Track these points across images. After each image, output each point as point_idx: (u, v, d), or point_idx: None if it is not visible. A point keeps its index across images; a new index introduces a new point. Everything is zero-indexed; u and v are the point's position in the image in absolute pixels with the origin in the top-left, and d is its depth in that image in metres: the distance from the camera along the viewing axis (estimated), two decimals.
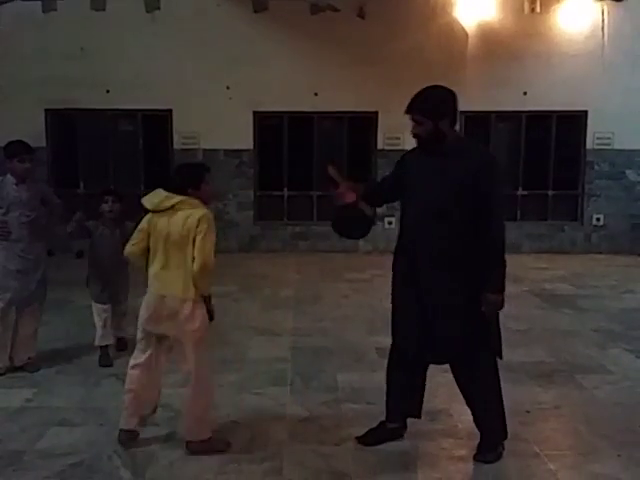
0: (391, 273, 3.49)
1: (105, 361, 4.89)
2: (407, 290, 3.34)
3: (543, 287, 7.78)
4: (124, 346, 5.10)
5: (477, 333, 3.28)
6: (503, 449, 3.45)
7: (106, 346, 4.96)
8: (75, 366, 4.90)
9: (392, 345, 3.55)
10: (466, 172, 3.16)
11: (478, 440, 3.49)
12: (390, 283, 3.49)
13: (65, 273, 7.69)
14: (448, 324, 3.26)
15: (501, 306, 3.25)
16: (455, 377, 3.46)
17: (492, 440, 3.45)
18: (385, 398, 3.63)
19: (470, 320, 3.25)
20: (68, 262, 8.79)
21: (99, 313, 4.94)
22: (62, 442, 3.61)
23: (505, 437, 3.47)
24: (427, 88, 3.30)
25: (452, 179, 3.18)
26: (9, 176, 4.59)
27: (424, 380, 3.57)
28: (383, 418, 3.63)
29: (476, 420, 3.49)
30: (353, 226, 3.58)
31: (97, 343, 4.94)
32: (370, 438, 3.57)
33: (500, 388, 3.44)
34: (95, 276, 4.93)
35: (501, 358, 3.40)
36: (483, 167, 3.20)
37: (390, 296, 3.50)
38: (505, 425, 3.46)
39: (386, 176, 3.70)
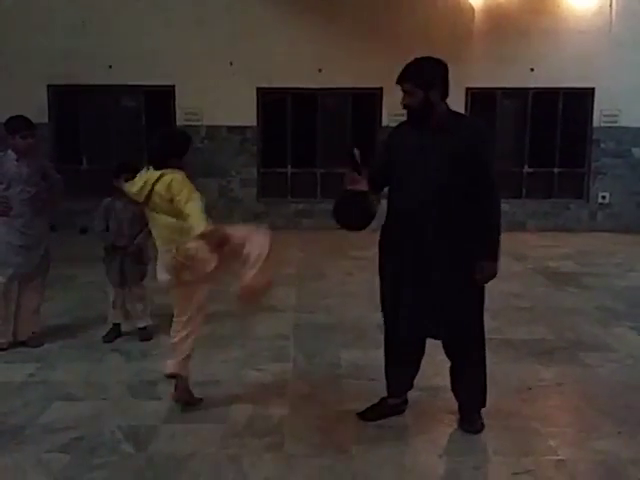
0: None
1: (108, 337, 4.89)
2: (405, 264, 3.29)
3: (547, 265, 7.75)
4: (148, 336, 4.90)
5: (473, 305, 3.30)
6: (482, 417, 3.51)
7: (118, 324, 4.97)
8: (78, 341, 4.91)
9: (385, 321, 3.54)
10: (461, 144, 3.15)
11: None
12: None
13: (69, 249, 7.72)
14: (447, 296, 3.24)
15: (495, 274, 3.24)
16: (445, 349, 3.46)
17: (474, 409, 3.49)
18: (384, 374, 3.64)
19: (468, 292, 3.26)
20: (72, 238, 8.83)
21: (112, 295, 4.92)
22: (65, 416, 3.63)
23: (484, 405, 3.50)
24: (418, 58, 3.25)
25: (449, 153, 3.16)
26: (10, 152, 4.57)
27: (421, 355, 3.57)
28: (384, 394, 3.64)
29: (458, 389, 3.51)
30: (355, 215, 3.35)
31: (108, 321, 4.97)
32: (371, 414, 3.58)
33: (485, 362, 3.46)
34: (108, 253, 4.88)
35: None
36: (478, 138, 3.19)
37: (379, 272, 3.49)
38: (485, 395, 3.49)
39: (376, 161, 3.53)
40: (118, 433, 3.44)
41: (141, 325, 4.96)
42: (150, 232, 3.77)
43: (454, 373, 3.50)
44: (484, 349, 3.44)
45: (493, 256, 3.21)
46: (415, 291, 3.28)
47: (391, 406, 3.62)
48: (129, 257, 4.81)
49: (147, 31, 9.72)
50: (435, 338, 3.43)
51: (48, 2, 9.63)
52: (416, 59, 3.26)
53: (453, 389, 3.54)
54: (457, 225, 3.20)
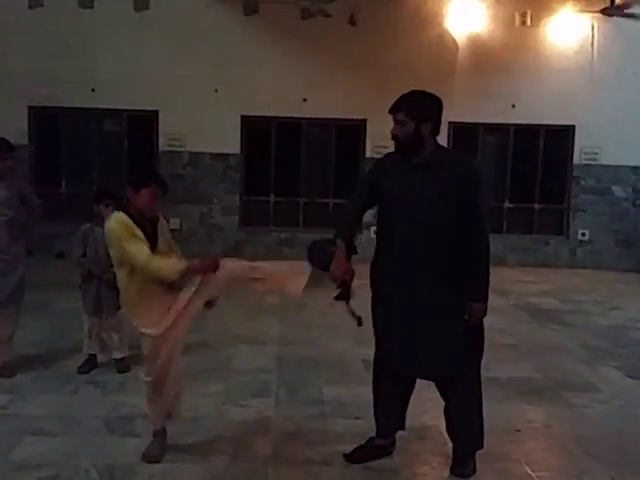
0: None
1: (84, 369, 4.72)
2: (392, 303, 3.23)
3: (529, 301, 7.74)
4: (125, 368, 4.72)
5: (465, 348, 3.21)
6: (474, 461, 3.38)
7: (94, 355, 4.80)
8: (53, 372, 4.72)
9: (375, 358, 3.46)
10: (451, 182, 3.09)
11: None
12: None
13: (45, 274, 7.52)
14: (436, 337, 3.17)
15: (483, 315, 3.18)
16: (439, 389, 3.38)
17: (467, 452, 3.37)
18: (373, 413, 3.52)
19: (459, 334, 3.18)
20: (48, 263, 8.62)
21: (87, 325, 4.76)
22: (37, 453, 3.45)
23: (481, 447, 3.37)
24: (414, 91, 3.23)
25: (436, 189, 3.10)
26: None
27: (411, 392, 3.47)
28: (371, 434, 3.53)
29: (451, 431, 3.40)
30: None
31: (84, 351, 4.80)
32: (358, 456, 3.46)
33: (482, 403, 3.35)
34: (84, 281, 4.73)
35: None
36: (468, 176, 3.14)
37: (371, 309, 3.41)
38: (482, 436, 3.37)
39: (359, 190, 3.42)
40: (93, 472, 3.27)
41: (118, 356, 4.78)
42: None
43: (447, 413, 3.40)
44: (480, 392, 3.34)
45: (482, 297, 3.16)
46: (404, 329, 3.20)
47: (379, 447, 3.50)
48: (105, 285, 4.66)
49: (132, 55, 9.65)
50: (425, 378, 3.34)
51: (31, 24, 9.53)
52: (412, 91, 3.22)
53: (447, 430, 3.43)
54: (447, 261, 3.13)
